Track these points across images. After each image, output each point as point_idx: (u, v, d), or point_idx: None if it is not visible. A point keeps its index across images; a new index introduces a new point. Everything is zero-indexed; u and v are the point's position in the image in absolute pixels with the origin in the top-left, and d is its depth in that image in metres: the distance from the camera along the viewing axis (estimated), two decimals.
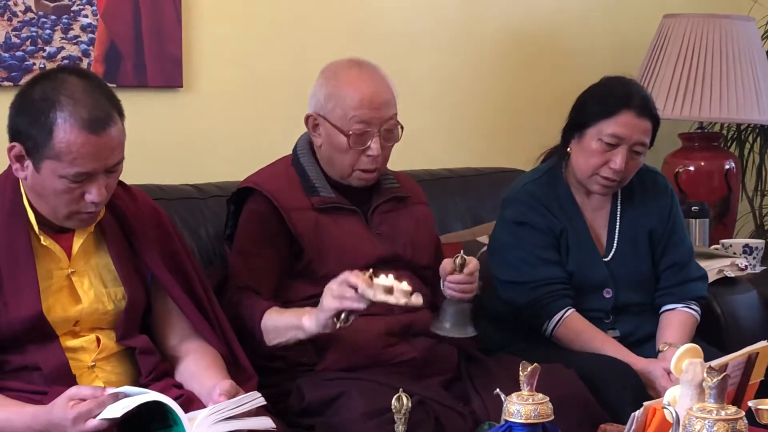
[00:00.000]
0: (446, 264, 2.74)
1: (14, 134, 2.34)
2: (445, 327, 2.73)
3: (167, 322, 2.54)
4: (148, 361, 2.45)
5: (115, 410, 2.16)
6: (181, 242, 2.63)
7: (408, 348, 2.75)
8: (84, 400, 2.18)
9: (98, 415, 2.16)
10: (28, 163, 2.33)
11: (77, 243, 2.42)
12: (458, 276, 2.72)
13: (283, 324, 2.66)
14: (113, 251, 2.47)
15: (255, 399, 2.27)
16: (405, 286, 2.50)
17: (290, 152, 2.94)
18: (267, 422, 2.27)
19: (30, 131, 2.30)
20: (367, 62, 2.88)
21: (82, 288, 2.42)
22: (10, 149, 2.34)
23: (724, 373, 1.85)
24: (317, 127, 2.85)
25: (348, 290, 2.51)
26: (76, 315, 2.41)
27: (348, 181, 2.86)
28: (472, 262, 2.74)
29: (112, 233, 2.48)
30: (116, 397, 2.19)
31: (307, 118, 2.87)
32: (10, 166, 2.42)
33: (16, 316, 2.33)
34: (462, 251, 2.76)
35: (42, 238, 2.39)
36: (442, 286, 2.77)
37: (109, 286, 2.46)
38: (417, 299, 2.50)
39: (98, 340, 2.43)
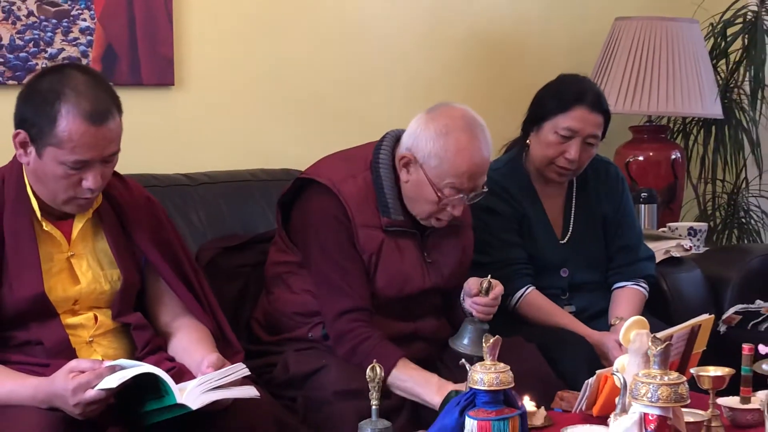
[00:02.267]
0: (472, 284, 2.71)
1: (20, 122, 2.34)
2: (463, 344, 2.70)
3: (160, 302, 2.54)
4: (143, 336, 2.45)
5: (112, 381, 2.16)
6: (173, 228, 2.62)
7: (405, 350, 2.70)
8: (83, 372, 2.17)
9: (96, 385, 2.15)
10: (31, 149, 2.32)
11: (76, 228, 2.42)
12: (484, 299, 2.69)
13: (410, 392, 2.59)
14: (109, 236, 2.47)
15: (240, 370, 2.27)
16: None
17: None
18: (251, 391, 2.28)
19: (35, 119, 2.30)
20: (477, 123, 2.68)
21: (81, 270, 2.42)
22: (15, 135, 2.34)
23: (667, 342, 1.87)
24: (409, 166, 2.68)
25: None
26: (75, 294, 2.41)
27: (418, 219, 2.74)
28: (498, 287, 2.71)
29: (109, 220, 2.48)
30: (113, 370, 2.19)
31: (402, 157, 2.69)
32: (14, 158, 2.42)
33: (20, 296, 2.33)
34: (489, 275, 2.72)
35: (44, 224, 2.39)
36: (462, 299, 2.75)
37: (106, 268, 2.46)
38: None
39: (96, 317, 2.43)
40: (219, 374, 2.24)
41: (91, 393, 2.15)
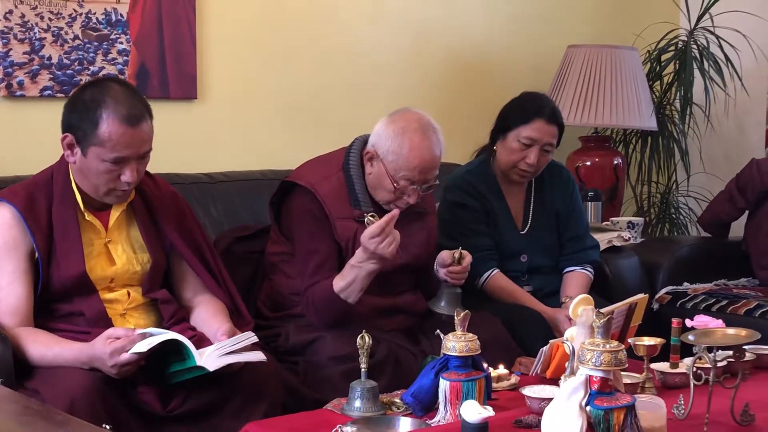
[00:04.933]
0: (446, 256, 2.71)
1: (67, 127, 2.33)
2: (440, 305, 2.72)
3: (183, 281, 2.54)
4: (168, 309, 2.45)
5: (143, 346, 2.16)
6: (194, 219, 2.61)
7: (388, 322, 2.71)
8: (118, 338, 2.17)
9: (130, 350, 2.16)
10: (77, 150, 2.32)
11: (113, 218, 2.42)
12: (456, 267, 2.70)
13: (355, 284, 2.58)
14: (141, 225, 2.46)
15: (249, 338, 2.28)
16: None
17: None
18: (259, 355, 2.28)
19: (80, 124, 2.30)
20: (430, 126, 2.67)
21: (116, 253, 2.42)
22: (63, 138, 2.33)
23: (609, 316, 1.87)
24: (372, 160, 2.68)
25: None
26: (111, 274, 2.40)
27: (381, 204, 2.73)
28: (467, 257, 2.72)
29: (140, 211, 2.47)
30: (144, 336, 2.19)
31: (366, 152, 2.69)
32: (61, 158, 2.41)
33: (65, 274, 2.33)
34: (461, 247, 2.73)
35: (86, 214, 2.38)
36: (435, 270, 2.76)
37: (137, 252, 2.45)
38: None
39: (129, 294, 2.42)
40: (232, 341, 2.24)
41: (125, 356, 2.15)
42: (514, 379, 2.43)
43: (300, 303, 2.72)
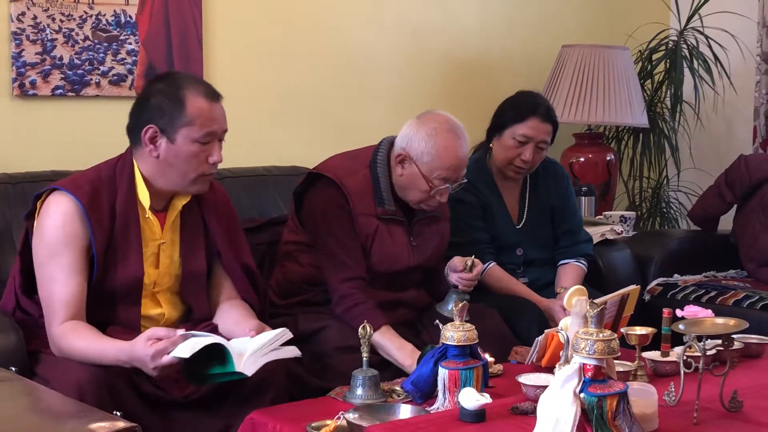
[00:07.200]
0: (458, 262, 2.70)
1: (147, 120, 2.25)
2: (447, 309, 2.68)
3: (221, 286, 2.46)
4: (198, 326, 2.34)
5: (185, 351, 2.06)
6: (238, 222, 2.55)
7: (391, 315, 2.69)
8: (159, 338, 2.09)
9: (171, 351, 2.06)
10: (161, 140, 2.25)
11: (170, 219, 2.34)
12: (468, 275, 2.69)
13: (387, 353, 2.54)
14: (190, 229, 2.39)
15: (285, 335, 2.23)
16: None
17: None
18: (294, 351, 2.24)
19: (163, 111, 2.24)
20: (458, 126, 2.67)
21: (164, 255, 2.34)
22: (145, 132, 2.25)
23: (602, 306, 1.87)
24: (404, 163, 2.66)
25: None
26: (155, 277, 2.32)
27: (410, 204, 2.73)
28: (479, 265, 2.71)
29: (193, 216, 2.40)
30: (185, 338, 2.10)
31: (398, 155, 2.67)
32: (125, 154, 2.33)
33: (124, 274, 2.26)
34: (473, 256, 2.72)
35: (148, 213, 2.30)
36: (446, 274, 2.74)
37: (181, 256, 2.37)
38: None
39: (164, 315, 2.35)
40: (268, 341, 2.17)
41: (167, 358, 2.07)
42: (497, 368, 2.43)
43: (330, 291, 2.69)
